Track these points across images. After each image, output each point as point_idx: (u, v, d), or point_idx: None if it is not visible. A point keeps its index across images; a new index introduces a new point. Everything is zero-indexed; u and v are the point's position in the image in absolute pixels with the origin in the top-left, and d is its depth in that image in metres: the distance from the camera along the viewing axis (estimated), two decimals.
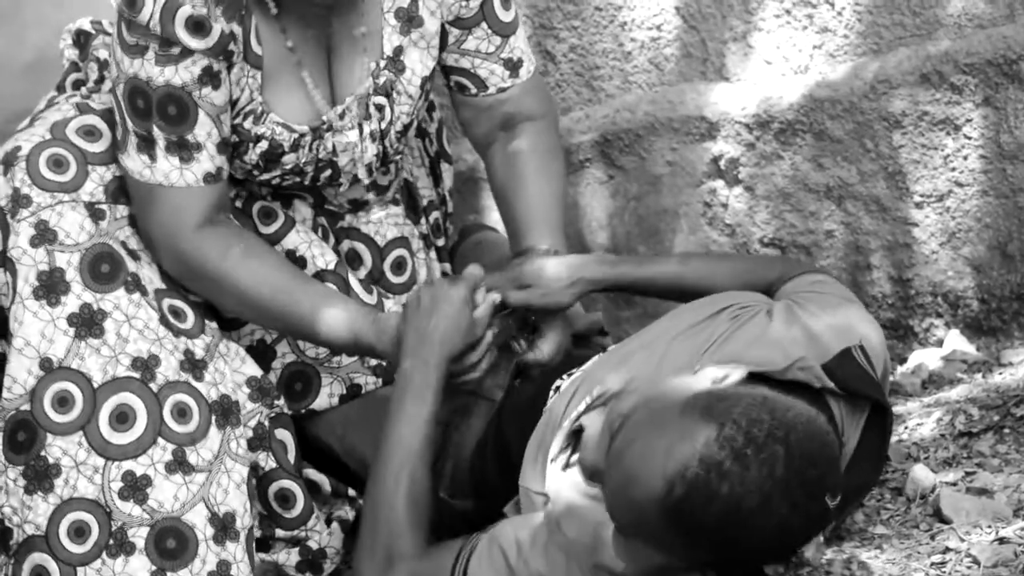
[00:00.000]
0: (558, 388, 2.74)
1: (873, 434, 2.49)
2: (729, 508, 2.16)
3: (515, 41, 2.98)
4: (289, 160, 2.89)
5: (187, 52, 2.69)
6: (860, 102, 3.32)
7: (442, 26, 2.93)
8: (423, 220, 3.19)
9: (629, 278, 2.84)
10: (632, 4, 3.46)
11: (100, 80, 2.98)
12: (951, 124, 3.29)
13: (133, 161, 2.77)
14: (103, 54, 2.98)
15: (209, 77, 2.72)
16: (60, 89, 3.03)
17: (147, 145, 2.75)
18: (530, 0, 3.49)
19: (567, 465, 2.55)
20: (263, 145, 2.86)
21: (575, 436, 2.56)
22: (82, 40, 3.03)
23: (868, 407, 2.48)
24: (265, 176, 2.92)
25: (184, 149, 2.75)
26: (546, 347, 2.89)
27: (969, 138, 3.28)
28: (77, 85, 3.02)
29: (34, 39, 5.12)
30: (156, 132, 2.74)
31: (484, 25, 2.94)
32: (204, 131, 2.76)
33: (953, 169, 3.31)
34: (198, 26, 2.69)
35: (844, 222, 3.41)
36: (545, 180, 3.03)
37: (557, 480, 2.54)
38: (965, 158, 3.30)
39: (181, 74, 2.70)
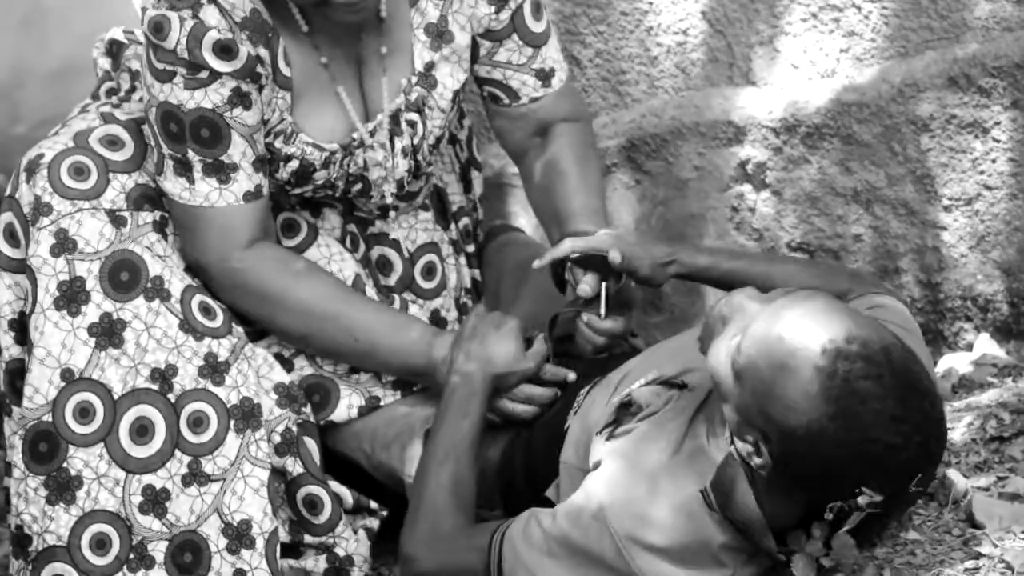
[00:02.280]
0: (587, 392, 2.74)
1: None
2: (884, 387, 2.26)
3: (547, 51, 2.98)
4: (320, 177, 2.90)
5: (215, 75, 2.71)
6: (887, 106, 3.31)
7: (473, 39, 2.93)
8: (453, 226, 3.20)
9: (720, 269, 2.81)
10: (658, 9, 3.46)
11: (132, 90, 2.99)
12: (979, 127, 3.27)
13: (172, 184, 2.79)
14: (135, 65, 2.99)
15: (239, 98, 2.74)
16: (95, 98, 3.04)
17: (184, 168, 2.76)
18: (556, 6, 3.49)
19: (611, 436, 2.57)
20: (294, 164, 2.87)
21: (623, 408, 2.59)
22: (114, 50, 3.04)
23: None
24: (297, 191, 2.93)
25: (220, 171, 2.77)
26: (620, 321, 2.87)
27: (997, 141, 3.27)
28: (110, 94, 3.03)
29: (59, 47, 5.13)
30: (191, 155, 2.75)
31: (515, 37, 2.94)
32: (238, 151, 2.77)
33: (981, 172, 3.30)
34: (225, 50, 2.70)
35: (872, 226, 3.39)
36: (585, 173, 3.03)
37: (602, 450, 2.56)
38: (994, 161, 3.29)
39: (211, 96, 2.72)
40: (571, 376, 2.84)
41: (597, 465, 2.55)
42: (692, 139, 3.46)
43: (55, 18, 5.14)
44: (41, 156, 2.84)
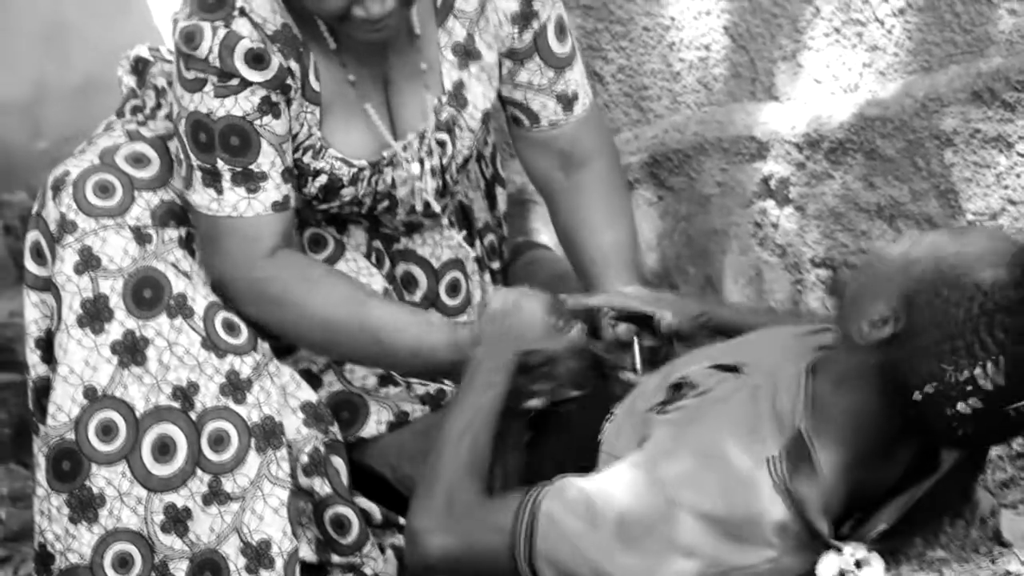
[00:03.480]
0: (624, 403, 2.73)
1: (962, 470, 2.50)
2: None
3: (570, 75, 2.97)
4: (348, 193, 2.90)
5: (245, 83, 2.71)
6: (911, 120, 3.30)
7: (499, 58, 2.93)
8: (478, 243, 3.19)
9: (740, 321, 2.86)
10: (680, 24, 3.45)
11: (157, 107, 2.99)
12: (1003, 142, 3.26)
13: (200, 196, 2.78)
14: (160, 82, 2.99)
15: (268, 106, 2.74)
16: (120, 115, 3.04)
17: (213, 179, 2.76)
18: (578, 22, 3.48)
19: (663, 412, 2.55)
20: (322, 179, 2.87)
21: (676, 388, 2.58)
22: (140, 67, 3.05)
23: None
24: (323, 206, 2.93)
25: (250, 180, 2.76)
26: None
27: (1022, 155, 3.25)
28: (135, 111, 3.03)
29: (82, 63, 5.15)
30: (221, 164, 2.75)
31: (537, 58, 2.94)
32: (268, 160, 2.77)
33: (1006, 187, 3.29)
34: (257, 59, 2.71)
35: (896, 241, 3.39)
36: (616, 221, 3.02)
37: (653, 423, 2.54)
38: (1018, 176, 3.27)
39: (241, 104, 2.72)
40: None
41: (645, 439, 2.52)
42: (715, 155, 3.46)
43: (77, 35, 5.16)
44: (67, 174, 2.85)
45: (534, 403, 2.78)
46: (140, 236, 2.83)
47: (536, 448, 2.78)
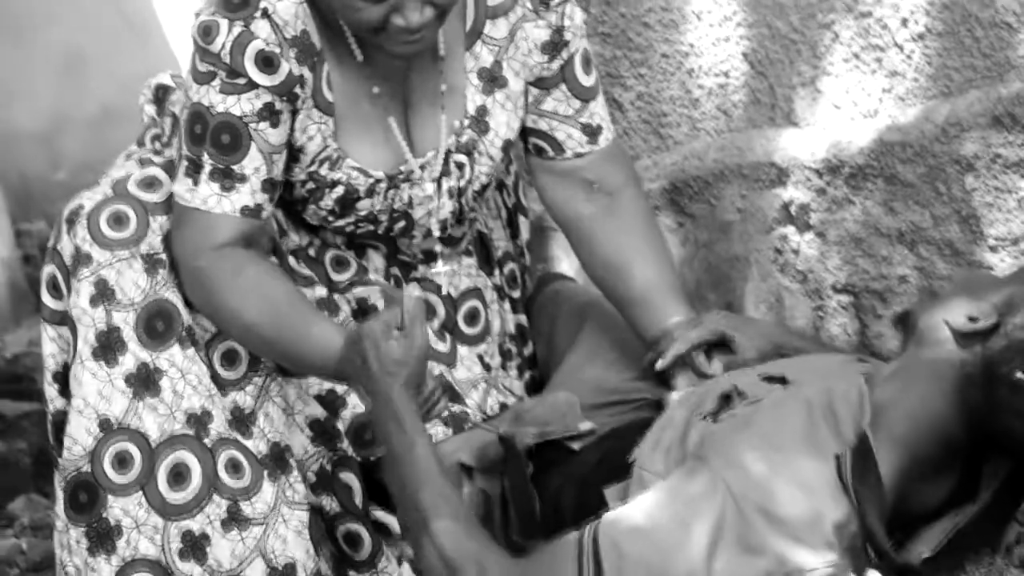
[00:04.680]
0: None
1: (1005, 497, 2.50)
2: None
3: (595, 107, 2.97)
4: (364, 206, 2.89)
5: (252, 85, 2.72)
6: (931, 145, 3.29)
7: (526, 86, 2.93)
8: (497, 271, 3.19)
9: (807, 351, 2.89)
10: (699, 51, 3.45)
11: (173, 134, 3.00)
12: None
13: (180, 184, 2.79)
14: (178, 108, 3.00)
15: (269, 113, 2.74)
16: (140, 144, 3.05)
17: (194, 169, 2.77)
18: (597, 49, 3.48)
19: (715, 420, 2.56)
20: (339, 190, 2.87)
21: (726, 399, 2.58)
22: (160, 94, 3.05)
23: (1010, 467, 2.50)
24: (340, 222, 2.92)
25: (227, 178, 2.76)
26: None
27: None
28: (155, 140, 3.04)
29: (100, 93, 5.17)
30: (205, 157, 2.76)
31: (563, 87, 2.94)
32: (252, 165, 2.77)
33: None
34: (267, 62, 2.72)
35: (917, 267, 3.37)
36: (659, 252, 3.02)
37: (706, 431, 2.53)
38: None
39: (242, 105, 2.73)
40: (412, 289, 2.75)
41: (696, 447, 2.51)
42: (735, 181, 3.45)
43: (95, 66, 5.18)
44: (81, 207, 2.85)
45: (585, 426, 2.80)
46: (151, 263, 2.83)
47: (544, 481, 2.78)
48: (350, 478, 2.91)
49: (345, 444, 2.93)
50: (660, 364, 2.88)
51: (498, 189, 3.25)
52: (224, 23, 2.72)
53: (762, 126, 3.45)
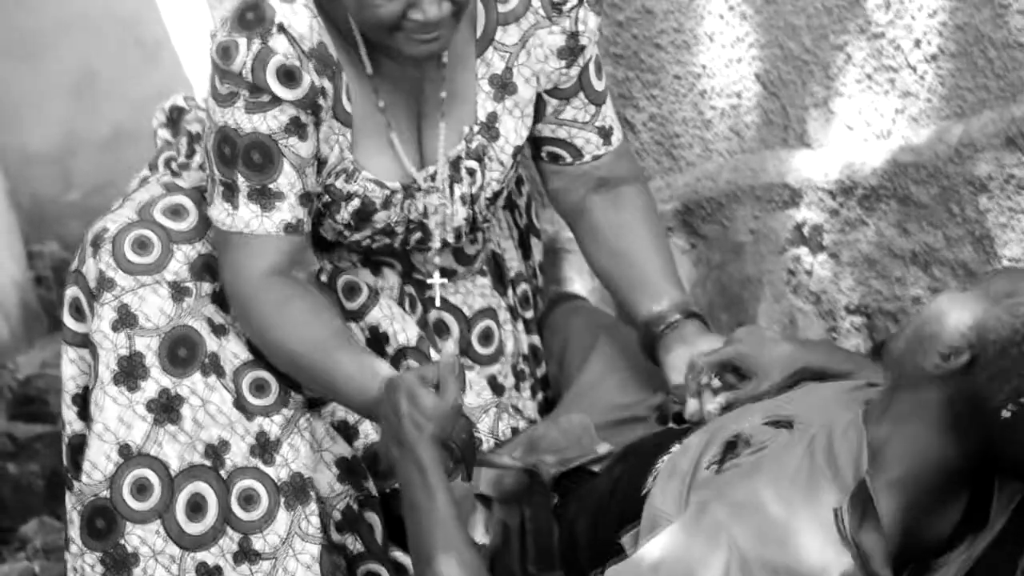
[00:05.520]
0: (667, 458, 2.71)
1: (1019, 522, 2.48)
2: None
3: (606, 109, 3.01)
4: (380, 219, 2.89)
5: (276, 100, 2.72)
6: (945, 166, 3.29)
7: (538, 96, 2.93)
8: (510, 292, 3.19)
9: (842, 371, 2.85)
10: (711, 72, 3.45)
11: (191, 153, 3.00)
12: None
13: (217, 210, 2.78)
14: (195, 128, 3.00)
15: (296, 127, 2.74)
16: (152, 168, 3.05)
17: (231, 193, 2.76)
18: (609, 70, 3.48)
19: (720, 471, 2.54)
20: (355, 203, 2.87)
21: (730, 447, 2.56)
22: (174, 116, 3.06)
23: (1020, 490, 2.48)
24: (356, 236, 2.92)
25: (265, 197, 2.76)
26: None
27: None
28: (169, 163, 3.04)
29: (111, 115, 5.17)
30: (240, 179, 2.75)
31: (581, 95, 2.96)
32: (287, 181, 2.77)
33: None
34: (289, 75, 2.72)
35: (931, 288, 3.36)
36: (659, 237, 3.04)
37: (711, 482, 2.52)
38: None
39: (269, 122, 2.73)
40: (450, 347, 2.71)
41: (702, 497, 2.50)
42: (747, 202, 3.45)
43: (106, 86, 5.18)
44: (105, 230, 2.85)
45: (603, 448, 2.80)
46: (178, 291, 2.83)
47: (561, 511, 2.78)
48: (373, 517, 2.91)
49: (370, 482, 2.92)
50: (687, 413, 2.85)
51: (510, 209, 3.25)
52: (242, 41, 2.72)
53: (775, 147, 3.45)
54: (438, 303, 3.07)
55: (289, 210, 2.78)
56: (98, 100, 5.22)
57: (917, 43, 3.27)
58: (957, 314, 2.43)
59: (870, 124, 3.36)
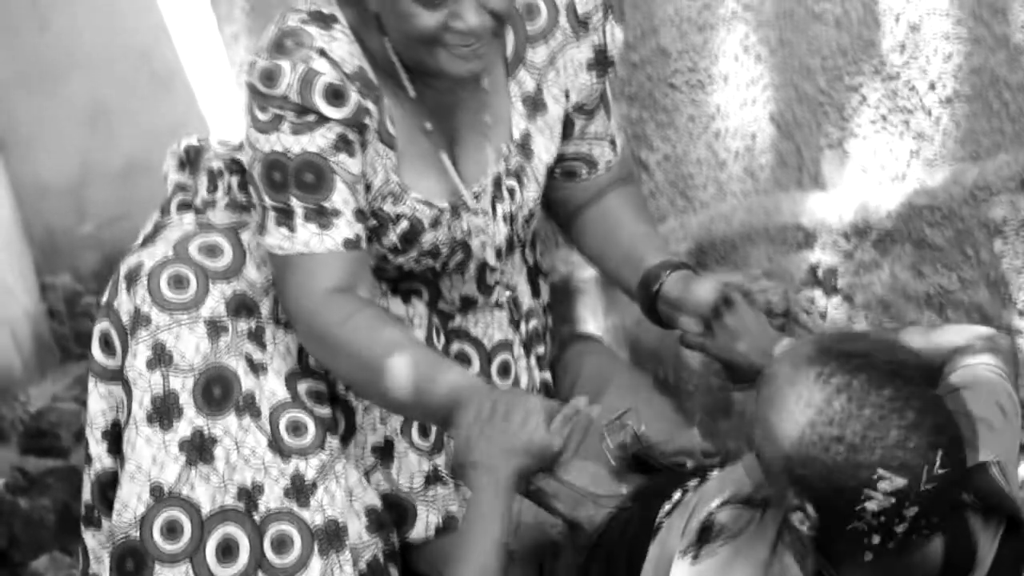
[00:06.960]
0: (667, 514, 2.71)
1: (1009, 552, 2.46)
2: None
3: (612, 120, 3.06)
4: (428, 240, 2.89)
5: (323, 119, 2.72)
6: (959, 209, 3.28)
7: (566, 114, 2.95)
8: (522, 326, 3.19)
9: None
10: (725, 113, 3.45)
11: (213, 189, 2.98)
12: None
13: (273, 237, 2.77)
14: (216, 165, 2.98)
15: (344, 144, 2.75)
16: (164, 212, 3.03)
17: (286, 217, 2.75)
18: (623, 110, 3.49)
19: (696, 559, 2.51)
20: (404, 225, 2.87)
21: (705, 532, 2.53)
22: (192, 155, 3.04)
23: (1004, 522, 2.45)
24: (400, 259, 2.91)
25: (322, 216, 2.76)
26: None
27: None
28: (182, 208, 3.02)
29: (125, 146, 5.18)
30: (294, 202, 2.75)
31: (603, 111, 3.01)
32: (341, 198, 2.77)
33: None
34: (336, 94, 2.73)
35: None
36: (645, 216, 3.10)
37: (686, 573, 2.50)
38: None
39: (317, 140, 2.73)
40: (583, 400, 2.70)
41: None
42: (761, 243, 3.44)
43: (120, 118, 5.19)
44: (141, 265, 2.85)
45: (621, 491, 2.78)
46: (215, 329, 2.82)
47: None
48: (394, 571, 2.91)
49: (395, 535, 2.92)
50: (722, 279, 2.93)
51: (520, 246, 3.26)
52: (286, 65, 2.73)
53: (789, 188, 3.45)
54: (503, 302, 3.08)
55: (347, 226, 2.78)
56: (112, 132, 5.23)
57: (932, 85, 3.27)
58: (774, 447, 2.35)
59: (885, 166, 3.36)
